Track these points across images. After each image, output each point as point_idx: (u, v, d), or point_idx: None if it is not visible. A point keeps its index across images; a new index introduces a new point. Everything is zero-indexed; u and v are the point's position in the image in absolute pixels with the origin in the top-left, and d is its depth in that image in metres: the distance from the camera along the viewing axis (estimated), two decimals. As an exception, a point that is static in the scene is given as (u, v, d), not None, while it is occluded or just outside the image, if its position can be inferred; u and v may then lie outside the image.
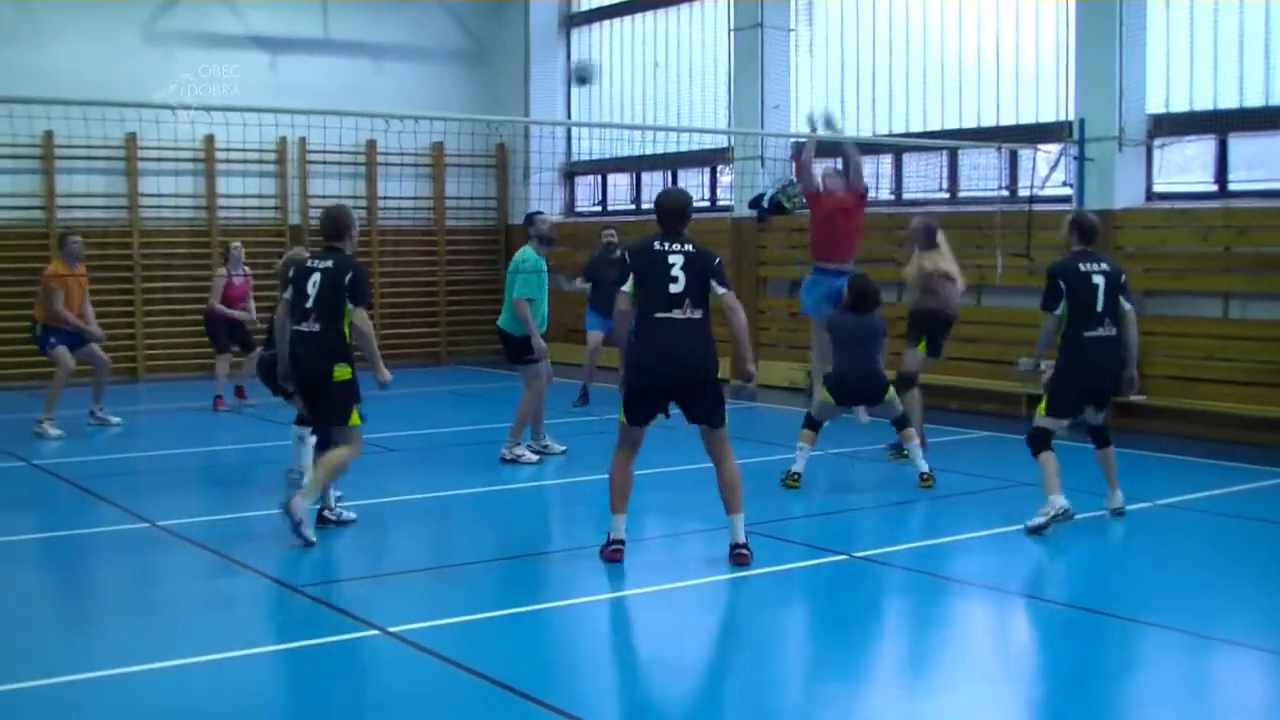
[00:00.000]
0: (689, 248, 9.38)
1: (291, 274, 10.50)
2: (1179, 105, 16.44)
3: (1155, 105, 16.54)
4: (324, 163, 23.51)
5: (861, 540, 10.50)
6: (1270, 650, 7.71)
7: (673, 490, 12.17)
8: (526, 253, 14.35)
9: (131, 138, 21.35)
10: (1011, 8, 18.23)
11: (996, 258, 16.76)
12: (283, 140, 22.63)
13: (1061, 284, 10.59)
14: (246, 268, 18.51)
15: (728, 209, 21.62)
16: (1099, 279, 10.52)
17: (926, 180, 19.34)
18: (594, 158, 24.92)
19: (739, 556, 9.40)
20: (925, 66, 19.41)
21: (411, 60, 24.68)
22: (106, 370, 16.90)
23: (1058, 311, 10.61)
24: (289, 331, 10.28)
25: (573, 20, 25.61)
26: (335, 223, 10.51)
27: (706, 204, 22.78)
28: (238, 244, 18.55)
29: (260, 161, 23.06)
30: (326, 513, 10.68)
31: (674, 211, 9.59)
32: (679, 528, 11.06)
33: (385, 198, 24.09)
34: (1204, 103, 16.20)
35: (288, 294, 10.36)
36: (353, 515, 10.89)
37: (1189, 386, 15.67)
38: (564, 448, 14.29)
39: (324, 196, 23.53)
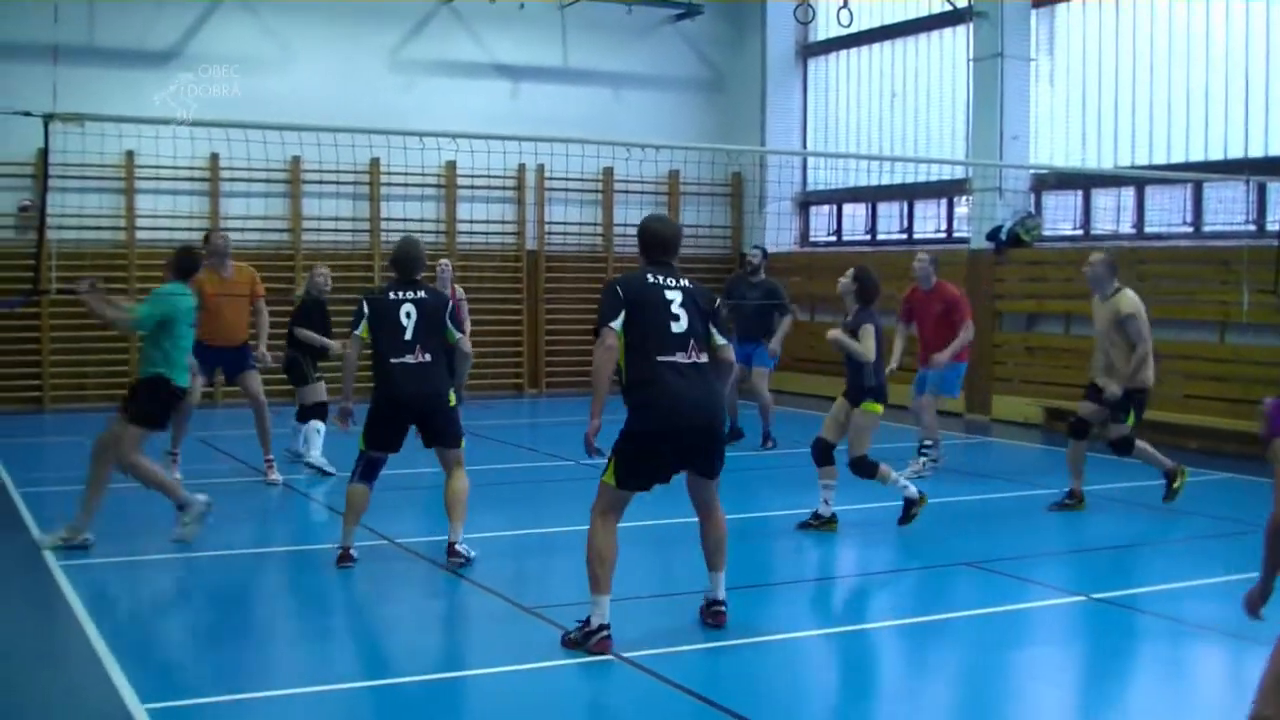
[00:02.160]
0: (684, 282, 8.24)
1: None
2: None
3: None
4: (565, 190, 23.84)
5: (1100, 581, 10.29)
6: None
7: (893, 526, 12.06)
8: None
9: (375, 164, 21.87)
10: (1261, 34, 17.76)
11: (1243, 294, 16.33)
12: (521, 167, 23.01)
13: None
14: (457, 285, 18.80)
15: (964, 241, 21.41)
16: None
17: (1170, 214, 18.93)
18: (829, 188, 24.88)
19: (715, 614, 8.51)
20: (1170, 96, 19.01)
21: (649, 89, 24.91)
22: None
23: None
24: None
25: (810, 50, 25.62)
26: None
27: (943, 235, 22.61)
28: (446, 260, 18.87)
29: (503, 188, 23.45)
30: (459, 548, 10.40)
31: (671, 241, 8.44)
32: (914, 563, 10.96)
33: (622, 225, 24.32)
34: None
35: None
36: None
37: None
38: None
39: (563, 223, 23.93)
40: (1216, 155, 18.23)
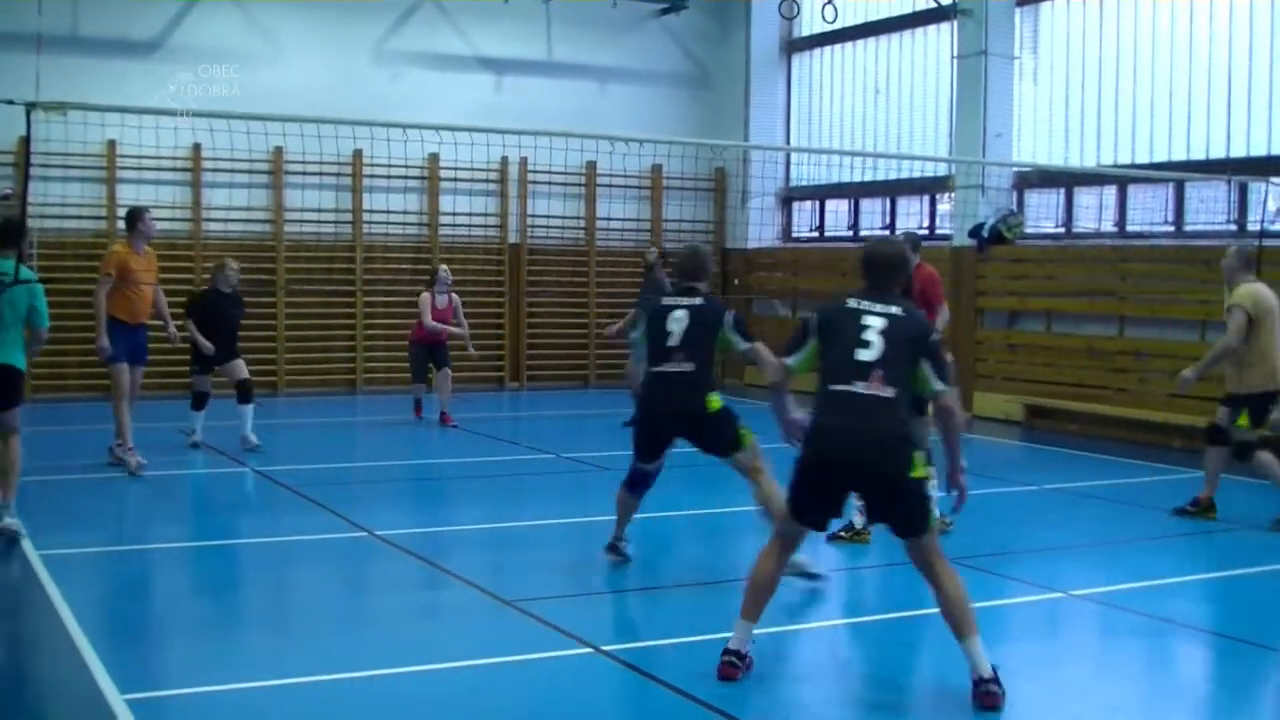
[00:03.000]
0: (897, 311, 7.44)
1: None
2: None
3: (1395, 139, 16.08)
4: (548, 183, 23.84)
5: (1078, 578, 10.30)
6: None
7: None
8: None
9: (358, 155, 21.83)
10: (1244, 35, 17.81)
11: (1224, 294, 16.36)
12: (504, 160, 23.01)
13: None
14: (455, 295, 18.89)
15: (947, 238, 21.44)
16: None
17: (1151, 213, 18.97)
18: (812, 183, 24.91)
19: (985, 695, 7.14)
20: (1152, 95, 19.05)
21: (633, 83, 24.89)
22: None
23: None
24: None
25: (794, 46, 25.64)
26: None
27: (925, 231, 22.63)
28: (445, 267, 18.92)
29: (486, 181, 23.44)
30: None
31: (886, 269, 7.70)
32: (893, 559, 10.97)
33: (604, 219, 24.29)
34: None
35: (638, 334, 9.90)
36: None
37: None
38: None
39: (545, 216, 23.92)
40: (1198, 155, 18.27)
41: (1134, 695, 7.72)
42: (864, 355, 7.28)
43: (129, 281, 13.77)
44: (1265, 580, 10.22)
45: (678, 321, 9.55)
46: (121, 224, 19.10)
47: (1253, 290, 12.19)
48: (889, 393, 7.24)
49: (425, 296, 18.44)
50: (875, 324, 7.35)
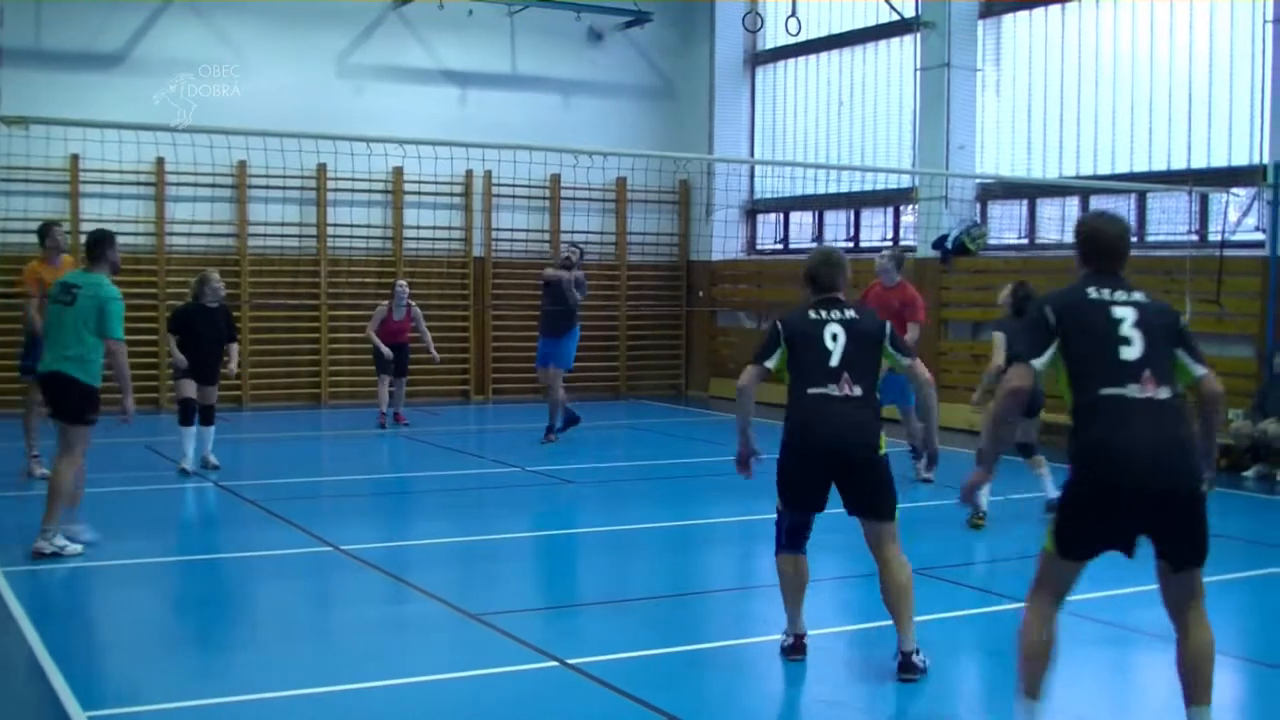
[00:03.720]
0: (1140, 296, 6.52)
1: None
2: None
3: (1355, 150, 16.20)
4: (512, 196, 23.84)
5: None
6: None
7: (858, 531, 12.07)
8: (110, 285, 10.91)
9: (322, 169, 21.79)
10: (1205, 48, 17.92)
11: (1186, 304, 16.46)
12: (469, 173, 23.00)
13: None
14: (412, 302, 19.10)
15: (911, 249, 21.49)
16: None
17: (1114, 223, 19.04)
18: (777, 195, 24.95)
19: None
20: (1114, 107, 19.16)
21: (597, 96, 24.90)
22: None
23: None
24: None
25: (758, 58, 25.68)
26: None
27: (889, 243, 22.68)
28: (403, 282, 19.05)
29: (450, 194, 23.42)
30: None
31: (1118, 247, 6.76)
32: (861, 570, 10.99)
33: (569, 232, 24.29)
34: (1405, 148, 15.84)
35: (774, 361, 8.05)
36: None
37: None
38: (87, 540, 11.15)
39: (510, 230, 23.91)
40: (1160, 166, 18.38)
41: (1100, 704, 7.75)
42: (1127, 353, 6.23)
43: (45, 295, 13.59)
44: (1230, 588, 10.26)
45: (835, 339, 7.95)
46: (85, 239, 19.03)
47: None
48: (1165, 394, 6.26)
49: (381, 308, 18.74)
50: (1128, 316, 6.34)
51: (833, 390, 7.83)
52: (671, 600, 9.91)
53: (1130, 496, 6.11)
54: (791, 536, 8.16)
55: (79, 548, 10.74)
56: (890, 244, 22.54)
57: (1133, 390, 6.16)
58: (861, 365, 7.94)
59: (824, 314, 8.05)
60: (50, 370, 10.76)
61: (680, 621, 9.14)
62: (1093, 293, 6.44)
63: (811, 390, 7.87)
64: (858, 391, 7.85)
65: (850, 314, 8.07)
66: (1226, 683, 7.35)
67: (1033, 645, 6.45)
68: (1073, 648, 8.92)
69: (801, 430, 7.90)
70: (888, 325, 8.17)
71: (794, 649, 8.19)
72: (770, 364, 8.02)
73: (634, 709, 7.17)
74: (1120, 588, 10.38)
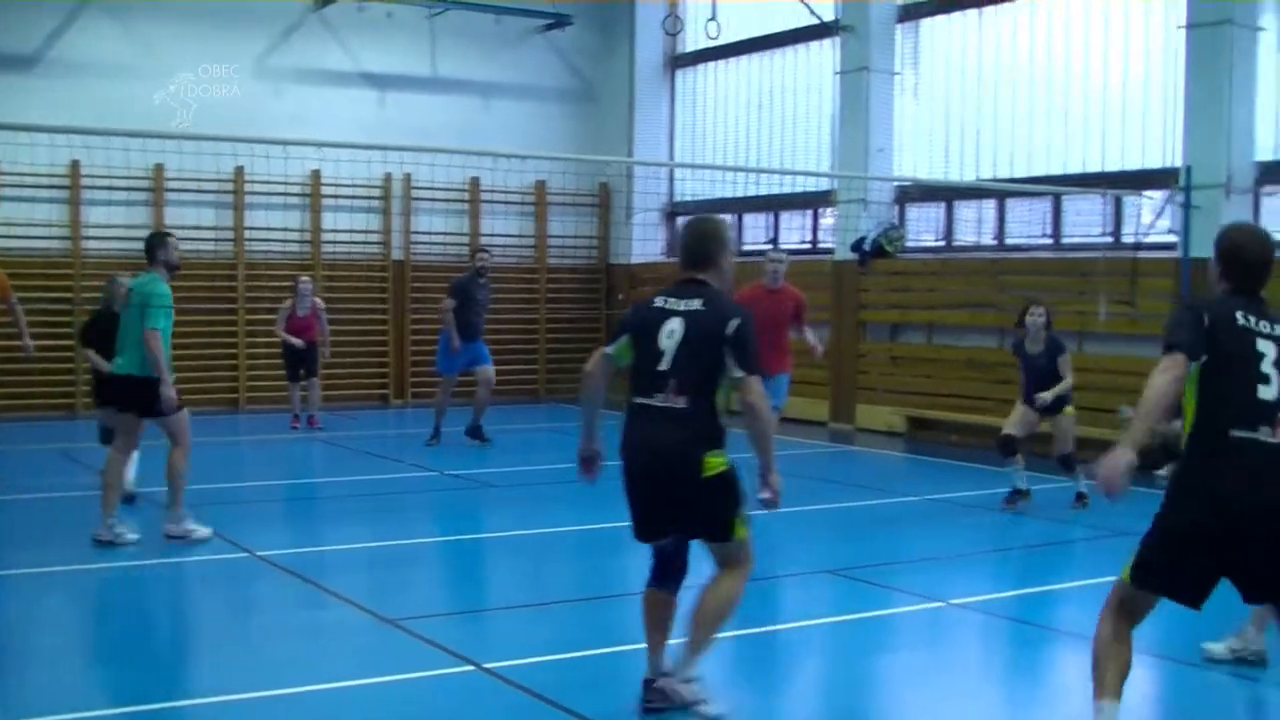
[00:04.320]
0: None
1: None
2: (1288, 153, 16.32)
3: (1264, 152, 16.39)
4: (430, 200, 23.76)
5: (958, 587, 10.40)
6: None
7: (774, 532, 12.12)
8: (159, 282, 11.51)
9: (240, 172, 21.63)
10: (1120, 53, 18.12)
11: (1100, 305, 16.63)
12: (388, 176, 22.91)
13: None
14: (318, 300, 19.12)
15: (829, 252, 21.60)
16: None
17: (1030, 226, 19.24)
18: (696, 198, 24.99)
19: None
20: (1031, 111, 19.33)
21: (518, 99, 24.86)
22: None
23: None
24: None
25: (678, 61, 25.72)
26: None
27: (808, 246, 22.79)
28: (307, 278, 18.99)
29: (368, 197, 23.31)
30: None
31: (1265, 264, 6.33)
32: (776, 571, 11.03)
33: (489, 235, 24.22)
34: (1314, 151, 16.07)
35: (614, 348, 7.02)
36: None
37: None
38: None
39: (428, 233, 23.82)
40: (1075, 169, 18.54)
41: (1014, 702, 7.81)
42: (1267, 393, 5.90)
43: None
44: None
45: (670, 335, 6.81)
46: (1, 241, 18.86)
47: None
48: (682, 403, 6.59)
49: (286, 305, 18.77)
50: (1271, 352, 6.00)
51: (656, 400, 6.68)
52: (589, 603, 9.91)
53: (1240, 537, 5.82)
54: (653, 568, 7.06)
55: (208, 531, 11.51)
56: (810, 246, 22.66)
57: (1264, 434, 5.86)
58: (694, 370, 6.64)
59: (668, 302, 6.85)
60: None
61: (598, 624, 9.13)
62: (1240, 318, 6.05)
63: (636, 399, 6.81)
64: (681, 403, 6.62)
65: (697, 304, 6.75)
66: (1143, 680, 7.39)
67: (1102, 655, 6.19)
68: (987, 646, 9.02)
69: (623, 449, 6.85)
70: (734, 323, 6.63)
71: (645, 692, 6.92)
72: (610, 350, 6.95)
73: (551, 712, 7.15)
74: (1035, 586, 10.51)
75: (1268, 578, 5.93)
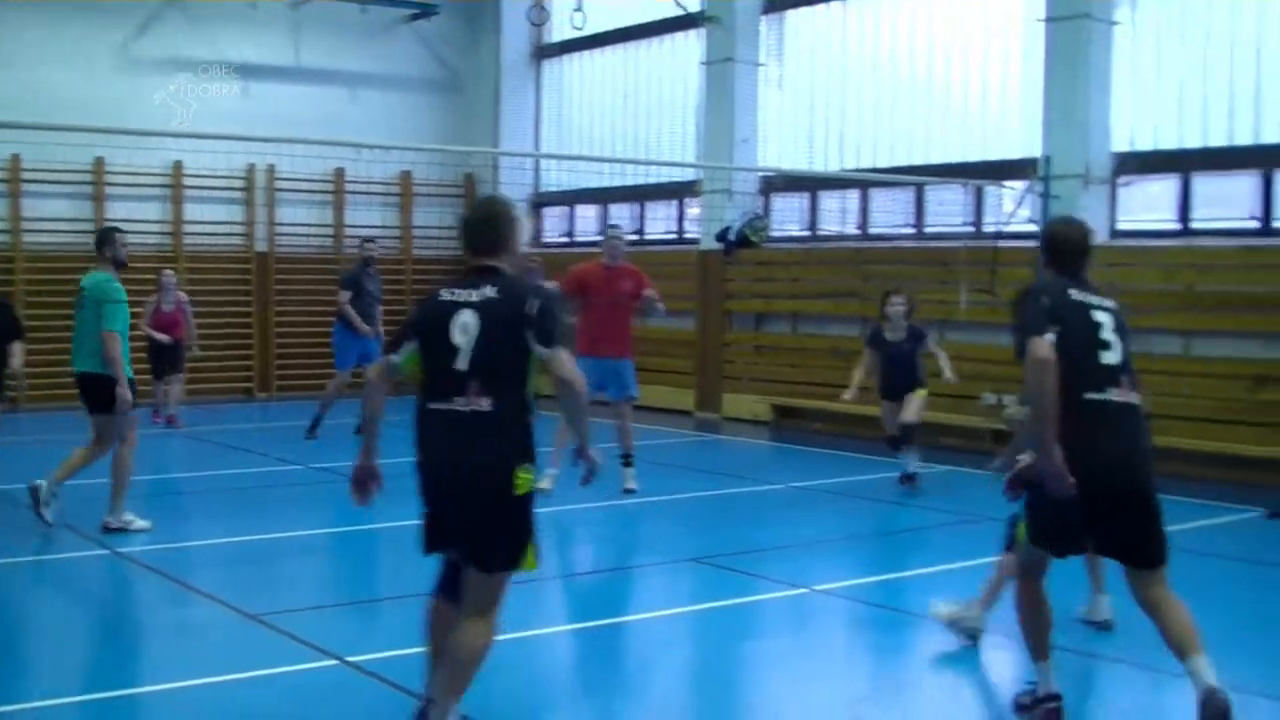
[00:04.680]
0: (1110, 303, 6.66)
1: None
2: (1144, 144, 16.60)
3: (1120, 144, 16.70)
4: (293, 190, 23.54)
5: (822, 574, 10.50)
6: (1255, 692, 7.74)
7: (640, 521, 12.20)
8: (108, 279, 11.93)
9: (100, 162, 21.31)
10: (981, 46, 18.37)
11: (961, 293, 16.85)
12: (251, 167, 22.67)
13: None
14: (181, 294, 18.89)
15: (694, 241, 21.69)
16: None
17: (893, 216, 19.45)
18: (562, 189, 24.99)
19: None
20: (894, 102, 19.54)
21: (383, 89, 24.70)
22: None
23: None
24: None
25: (544, 52, 25.70)
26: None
27: (674, 236, 22.87)
28: (170, 272, 18.73)
29: (229, 189, 23.05)
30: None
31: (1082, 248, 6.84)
32: (642, 560, 11.08)
33: (353, 226, 24.06)
34: (1168, 142, 16.37)
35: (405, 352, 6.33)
36: None
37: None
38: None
39: (292, 225, 23.60)
40: (937, 159, 18.77)
41: (875, 686, 7.90)
42: (1109, 359, 6.49)
43: None
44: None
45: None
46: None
47: None
48: (1136, 398, 6.56)
49: (151, 301, 18.53)
50: (1107, 321, 6.57)
51: (456, 405, 6.01)
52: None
53: (1100, 499, 6.33)
54: (441, 576, 6.44)
55: (146, 523, 11.60)
56: (676, 236, 22.75)
57: (1114, 395, 6.42)
58: (496, 365, 6.01)
59: (457, 294, 6.18)
60: None
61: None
62: (1075, 294, 6.58)
63: (431, 404, 6.15)
64: (486, 405, 5.97)
65: (490, 292, 6.09)
66: (1002, 663, 7.53)
67: (1028, 616, 6.74)
68: (849, 631, 9.12)
69: (421, 461, 6.26)
70: (535, 302, 6.05)
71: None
72: (397, 358, 6.31)
73: (414, 705, 7.13)
74: (896, 572, 10.64)
75: (1120, 526, 6.42)
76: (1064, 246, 6.80)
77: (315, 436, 17.34)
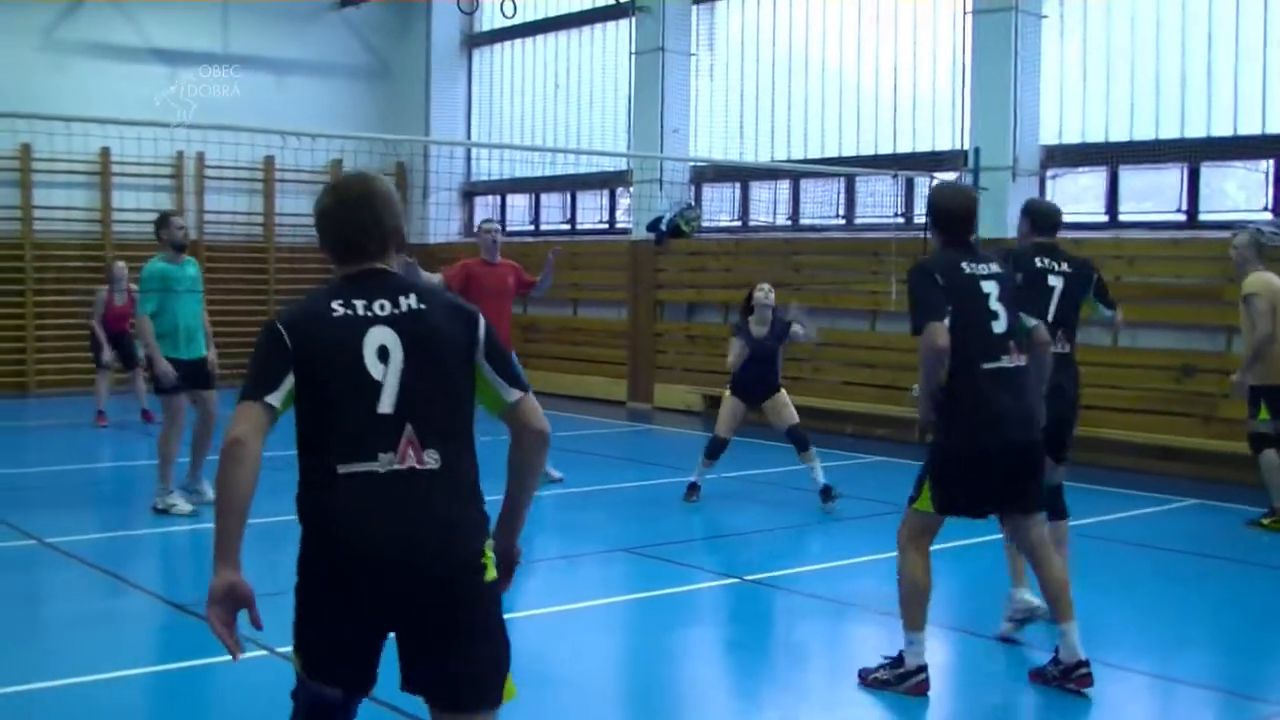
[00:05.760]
0: (995, 268, 7.06)
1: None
2: (1072, 137, 16.75)
3: (1049, 136, 16.84)
4: (221, 179, 23.37)
5: (754, 563, 10.54)
6: (1149, 674, 7.84)
7: (572, 511, 12.20)
8: (152, 266, 12.78)
9: (25, 149, 21.10)
10: (909, 37, 18.48)
11: (891, 284, 16.93)
12: (180, 155, 22.49)
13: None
14: (132, 285, 18.53)
15: (626, 231, 21.71)
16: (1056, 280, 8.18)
17: (824, 206, 19.53)
18: (493, 178, 24.94)
19: (1081, 679, 7.06)
20: (824, 93, 19.62)
21: (312, 76, 24.59)
22: None
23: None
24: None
25: (474, 40, 25.65)
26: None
27: (605, 226, 22.88)
28: (121, 263, 18.44)
29: (156, 176, 22.86)
30: None
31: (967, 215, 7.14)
32: (575, 549, 11.08)
33: (283, 214, 23.93)
34: (1096, 135, 16.52)
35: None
36: None
37: (1079, 414, 15.89)
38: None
39: (220, 213, 23.44)
40: (867, 150, 18.88)
41: (809, 674, 7.95)
42: (998, 328, 6.89)
43: None
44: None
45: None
46: None
47: (1265, 279, 11.62)
48: (1024, 361, 6.99)
49: (100, 294, 18.04)
50: (993, 290, 6.94)
51: (380, 465, 4.13)
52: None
53: (999, 462, 6.89)
54: None
55: (190, 507, 11.81)
56: (608, 226, 22.75)
57: (1005, 362, 6.87)
58: (440, 405, 4.23)
59: (359, 307, 4.27)
60: None
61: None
62: (966, 266, 6.89)
63: (345, 468, 4.16)
64: (432, 462, 4.16)
65: (412, 303, 4.28)
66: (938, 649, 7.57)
67: (917, 583, 7.14)
68: (781, 621, 9.17)
69: (328, 544, 4.29)
70: (480, 322, 4.33)
71: None
72: (274, 400, 4.25)
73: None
74: (826, 561, 10.71)
75: (1013, 477, 6.97)
76: (950, 218, 7.02)
77: None
